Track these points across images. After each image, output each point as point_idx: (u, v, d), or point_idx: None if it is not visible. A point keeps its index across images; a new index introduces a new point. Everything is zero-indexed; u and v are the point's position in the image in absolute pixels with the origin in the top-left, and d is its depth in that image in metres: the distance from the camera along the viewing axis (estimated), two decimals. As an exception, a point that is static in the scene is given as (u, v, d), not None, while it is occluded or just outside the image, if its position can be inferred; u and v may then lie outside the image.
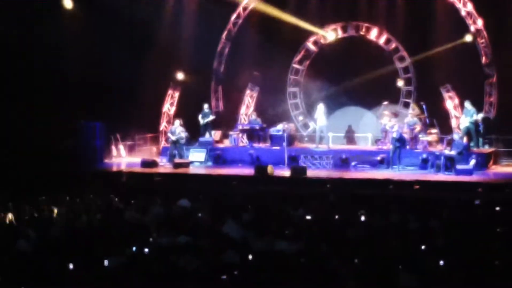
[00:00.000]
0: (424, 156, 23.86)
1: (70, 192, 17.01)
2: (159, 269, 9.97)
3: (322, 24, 28.54)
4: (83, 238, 11.62)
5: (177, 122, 25.94)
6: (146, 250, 11.13)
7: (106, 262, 10.30)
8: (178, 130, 25.59)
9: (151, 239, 12.11)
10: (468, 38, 26.30)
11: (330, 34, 28.57)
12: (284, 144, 25.21)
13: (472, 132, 24.80)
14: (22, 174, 21.06)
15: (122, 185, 21.65)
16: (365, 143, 27.52)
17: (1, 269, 9.98)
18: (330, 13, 28.42)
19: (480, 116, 24.90)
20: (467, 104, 24.97)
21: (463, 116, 25.15)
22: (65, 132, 24.85)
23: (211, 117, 27.34)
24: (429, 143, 24.95)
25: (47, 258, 10.30)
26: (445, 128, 25.92)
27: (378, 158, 24.52)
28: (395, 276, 9.59)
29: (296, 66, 29.42)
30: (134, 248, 11.20)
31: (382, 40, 27.84)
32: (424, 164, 23.78)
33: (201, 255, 10.48)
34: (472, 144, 24.58)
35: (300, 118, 29.51)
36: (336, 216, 14.21)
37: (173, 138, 25.49)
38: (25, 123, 23.76)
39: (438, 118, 25.65)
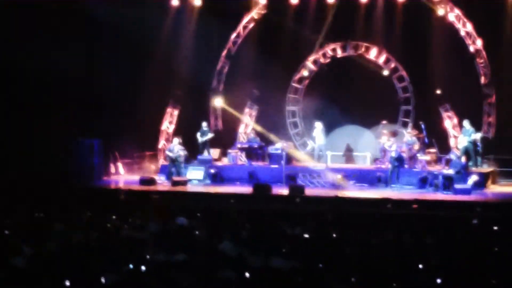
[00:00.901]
0: (423, 175, 23.86)
1: (67, 209, 16.96)
2: (155, 286, 9.93)
3: (321, 43, 28.62)
4: (80, 255, 11.58)
5: (176, 140, 25.98)
6: (143, 267, 11.09)
7: (103, 279, 10.27)
8: (176, 148, 25.62)
9: (148, 256, 12.06)
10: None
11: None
12: (283, 162, 25.21)
13: (470, 152, 24.81)
14: (19, 190, 21.01)
15: (120, 202, 21.61)
16: (363, 162, 27.52)
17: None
18: (328, 32, 28.48)
19: (478, 136, 24.92)
20: (466, 124, 25.02)
21: (461, 136, 25.20)
22: (62, 149, 24.85)
23: (210, 135, 27.36)
24: (428, 163, 24.95)
25: (42, 275, 10.26)
26: (444, 147, 25.93)
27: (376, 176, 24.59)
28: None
29: (295, 85, 29.45)
30: (130, 266, 11.16)
31: (381, 60, 27.87)
32: (422, 183, 23.78)
33: (197, 272, 10.45)
34: (470, 163, 24.57)
35: (298, 136, 29.48)
36: (334, 235, 14.18)
37: (171, 156, 25.50)
38: (22, 139, 23.76)
39: (436, 138, 25.68)
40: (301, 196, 22.21)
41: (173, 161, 25.52)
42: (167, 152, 26.03)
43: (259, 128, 28.10)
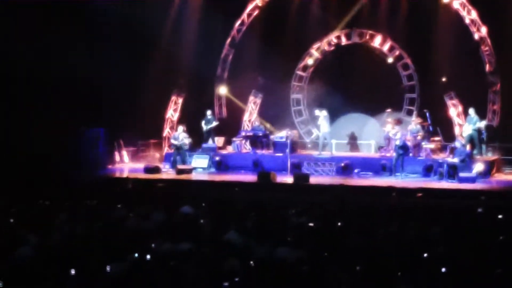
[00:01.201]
0: (428, 163, 23.85)
1: (72, 198, 16.98)
2: (160, 276, 9.95)
3: (325, 31, 28.60)
4: (85, 244, 11.60)
5: (180, 128, 26.00)
6: (148, 256, 11.11)
7: (108, 268, 10.29)
8: (181, 136, 25.65)
9: (153, 245, 12.08)
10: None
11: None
12: (287, 150, 25.21)
13: (475, 140, 24.80)
14: (23, 180, 21.03)
15: (126, 191, 21.63)
16: (368, 150, 27.53)
17: (1, 275, 9.96)
18: (333, 20, 28.45)
19: (483, 124, 24.88)
20: (471, 112, 24.99)
21: (466, 124, 25.16)
22: (67, 138, 24.91)
23: (214, 123, 27.36)
24: (432, 151, 24.94)
25: (48, 265, 10.29)
26: (449, 135, 25.92)
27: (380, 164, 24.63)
28: (395, 284, 9.58)
29: (299, 73, 29.43)
30: (136, 255, 11.18)
31: (386, 48, 27.82)
32: (427, 172, 23.78)
33: (202, 262, 10.47)
34: (475, 151, 24.56)
35: (303, 124, 29.46)
36: (339, 223, 14.19)
37: (176, 143, 25.54)
38: (27, 129, 23.78)
39: (441, 126, 25.66)
40: (305, 185, 22.24)
41: (178, 149, 25.56)
42: (172, 140, 26.06)
43: (259, 121, 28.10)
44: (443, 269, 10.23)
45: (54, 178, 21.94)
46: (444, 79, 26.80)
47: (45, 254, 10.87)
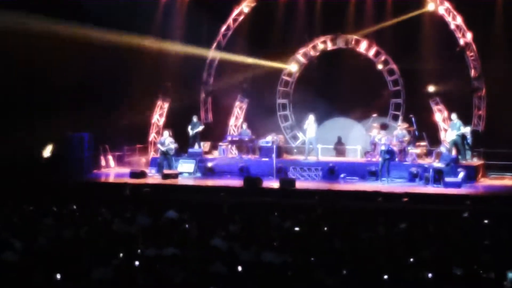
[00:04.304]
0: (414, 170, 23.87)
1: (57, 202, 16.92)
2: (146, 281, 9.91)
3: (311, 36, 28.62)
4: (70, 249, 11.55)
5: (166, 133, 25.92)
6: (133, 261, 11.07)
7: (93, 274, 10.25)
8: (167, 141, 25.57)
9: (138, 250, 12.04)
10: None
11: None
12: (273, 155, 25.19)
13: (459, 145, 24.84)
14: (8, 184, 20.93)
15: (111, 196, 21.52)
16: (354, 155, 27.55)
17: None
18: (319, 25, 28.50)
19: (467, 129, 24.94)
20: (454, 117, 25.03)
21: (449, 129, 25.20)
22: (52, 142, 24.81)
23: (200, 128, 27.33)
24: (418, 156, 24.98)
25: (33, 269, 10.23)
26: (434, 140, 25.98)
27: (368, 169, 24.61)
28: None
29: (285, 77, 29.42)
30: (121, 259, 11.14)
31: (371, 53, 27.83)
32: (413, 177, 23.81)
33: (188, 266, 10.44)
34: (460, 157, 24.61)
35: (289, 129, 29.44)
36: (325, 228, 14.20)
37: (162, 149, 25.47)
38: (11, 133, 23.68)
39: (427, 131, 25.72)
40: (291, 189, 22.22)
41: (164, 154, 25.49)
42: (158, 145, 25.98)
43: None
44: (429, 275, 10.25)
45: (38, 182, 21.85)
46: (430, 86, 26.78)
47: (31, 260, 10.81)
